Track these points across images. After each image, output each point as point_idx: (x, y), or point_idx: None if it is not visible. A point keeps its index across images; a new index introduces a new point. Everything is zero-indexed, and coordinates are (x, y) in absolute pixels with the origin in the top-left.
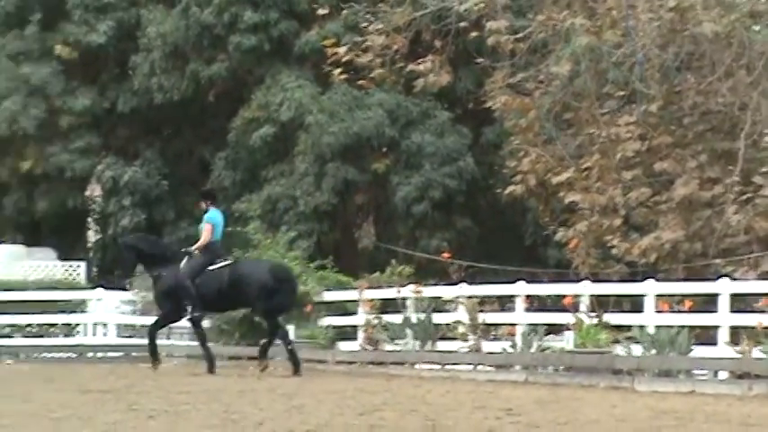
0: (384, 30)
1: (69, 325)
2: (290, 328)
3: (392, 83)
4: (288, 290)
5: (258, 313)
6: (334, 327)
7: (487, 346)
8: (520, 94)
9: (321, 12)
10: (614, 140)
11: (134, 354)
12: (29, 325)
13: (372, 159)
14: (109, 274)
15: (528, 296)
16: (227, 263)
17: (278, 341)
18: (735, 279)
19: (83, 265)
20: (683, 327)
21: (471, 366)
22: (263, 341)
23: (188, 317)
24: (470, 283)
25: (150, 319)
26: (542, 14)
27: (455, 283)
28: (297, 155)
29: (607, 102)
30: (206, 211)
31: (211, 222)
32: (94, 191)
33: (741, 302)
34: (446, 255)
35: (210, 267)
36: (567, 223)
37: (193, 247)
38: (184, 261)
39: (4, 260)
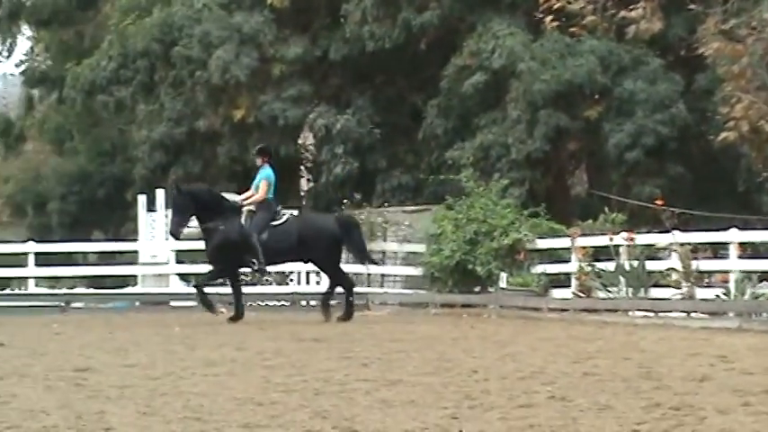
0: None
1: (283, 273)
2: (503, 276)
3: (604, 30)
4: (356, 238)
5: (326, 265)
6: (547, 274)
7: (701, 293)
8: (732, 40)
9: None
10: None
11: None
12: (243, 273)
13: (584, 106)
14: None
15: (741, 243)
16: (288, 217)
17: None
18: None
19: (295, 213)
20: None
21: (684, 314)
22: (325, 292)
23: (245, 272)
24: (683, 231)
25: (363, 267)
26: None
27: (668, 231)
28: (509, 102)
29: None
30: (261, 168)
31: (268, 180)
32: (307, 139)
33: None
34: (659, 202)
35: (273, 223)
36: None
37: (247, 202)
38: (245, 216)
39: None
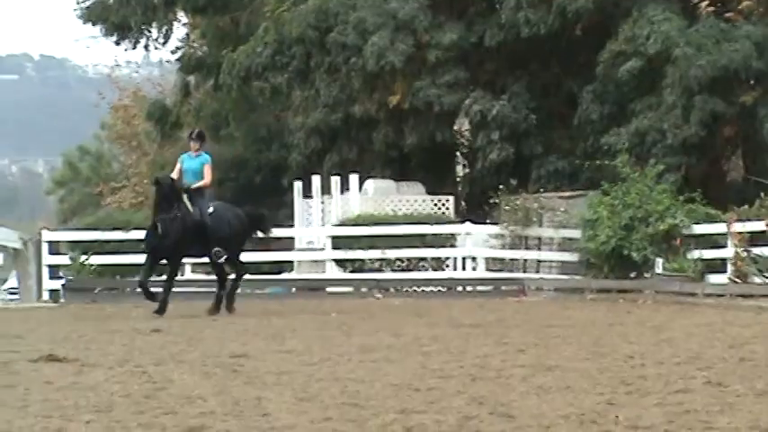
0: None
1: (439, 259)
2: (659, 262)
3: (760, 15)
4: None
5: (236, 254)
6: (703, 260)
7: None
8: None
9: None
10: None
11: (503, 288)
12: (398, 259)
13: (740, 92)
14: (477, 209)
15: None
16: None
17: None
18: None
19: (451, 199)
20: None
21: None
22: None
23: None
24: None
25: (518, 253)
26: None
27: None
28: (664, 88)
29: None
30: (198, 153)
31: (211, 166)
32: (462, 125)
33: None
34: None
35: (209, 210)
36: None
37: (195, 186)
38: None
39: (374, 195)
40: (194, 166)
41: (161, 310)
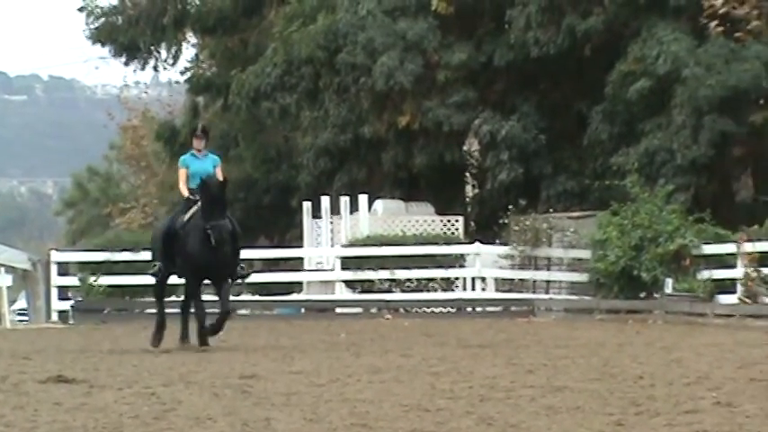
0: None
1: (448, 279)
2: (669, 282)
3: None
4: None
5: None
6: (713, 280)
7: None
8: None
9: None
10: None
11: (512, 308)
12: (408, 280)
13: (750, 112)
14: (487, 229)
15: None
16: None
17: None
18: None
19: (460, 219)
20: None
21: None
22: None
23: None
24: None
25: (527, 274)
26: None
27: None
28: (673, 108)
29: None
30: (206, 152)
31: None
32: (472, 145)
33: None
34: None
35: None
36: None
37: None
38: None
39: (383, 215)
40: (206, 167)
41: (218, 329)
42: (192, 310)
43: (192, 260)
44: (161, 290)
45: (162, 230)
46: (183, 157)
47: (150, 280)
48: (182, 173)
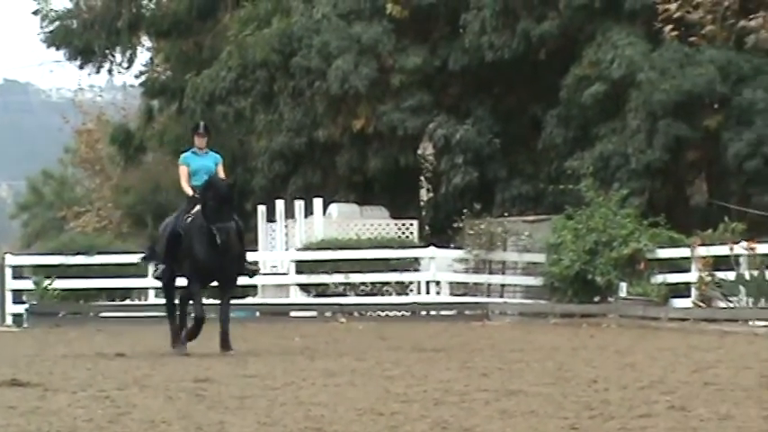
0: None
1: (402, 283)
2: (623, 286)
3: (723, 39)
4: None
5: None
6: (667, 284)
7: None
8: None
9: None
10: None
11: (467, 312)
12: (362, 283)
13: (704, 116)
14: (441, 233)
15: None
16: None
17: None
18: None
19: (415, 223)
20: None
21: None
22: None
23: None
24: None
25: (482, 278)
26: None
27: None
28: (628, 112)
29: None
30: (206, 150)
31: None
32: (426, 149)
33: None
34: None
35: None
36: None
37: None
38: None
39: (338, 219)
40: (208, 164)
41: (227, 345)
42: (192, 315)
43: (200, 263)
44: (171, 292)
45: (167, 232)
46: (183, 155)
47: (103, 283)
48: (183, 170)
